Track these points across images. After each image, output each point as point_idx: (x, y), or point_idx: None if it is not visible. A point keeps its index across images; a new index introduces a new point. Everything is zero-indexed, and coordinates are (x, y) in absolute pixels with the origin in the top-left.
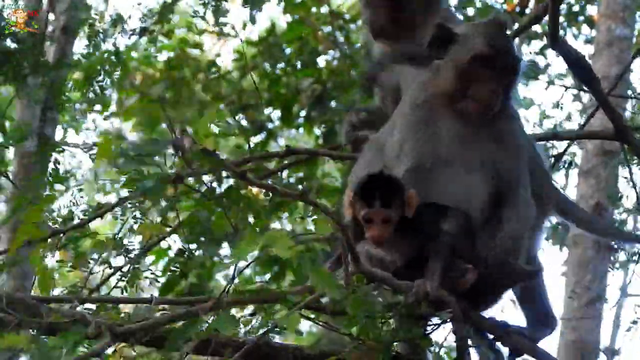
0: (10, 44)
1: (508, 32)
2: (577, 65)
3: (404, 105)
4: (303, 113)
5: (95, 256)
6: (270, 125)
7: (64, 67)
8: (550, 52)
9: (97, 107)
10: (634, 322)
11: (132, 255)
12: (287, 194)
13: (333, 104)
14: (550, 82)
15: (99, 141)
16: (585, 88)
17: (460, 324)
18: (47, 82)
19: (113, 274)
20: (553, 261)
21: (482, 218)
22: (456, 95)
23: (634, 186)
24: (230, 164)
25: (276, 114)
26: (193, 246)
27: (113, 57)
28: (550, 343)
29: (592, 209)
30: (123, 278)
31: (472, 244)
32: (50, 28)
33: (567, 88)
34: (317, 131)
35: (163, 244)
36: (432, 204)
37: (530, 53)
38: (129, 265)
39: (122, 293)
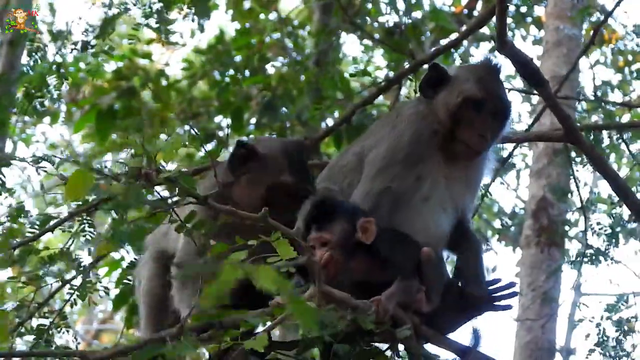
0: None
1: (500, 77)
2: (525, 68)
3: (395, 128)
4: (253, 120)
5: (47, 269)
6: (220, 133)
7: (9, 82)
8: (499, 54)
9: (47, 119)
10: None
11: (82, 268)
12: (248, 217)
13: (283, 110)
14: None
15: (68, 174)
16: (533, 90)
17: (415, 343)
18: None
19: (62, 286)
20: (506, 262)
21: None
22: (446, 136)
23: (577, 186)
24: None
25: (226, 121)
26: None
27: (54, 68)
28: (506, 344)
29: (538, 203)
30: (73, 291)
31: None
32: None
33: (515, 90)
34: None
35: (115, 256)
36: (399, 233)
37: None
38: (79, 277)
39: (72, 307)
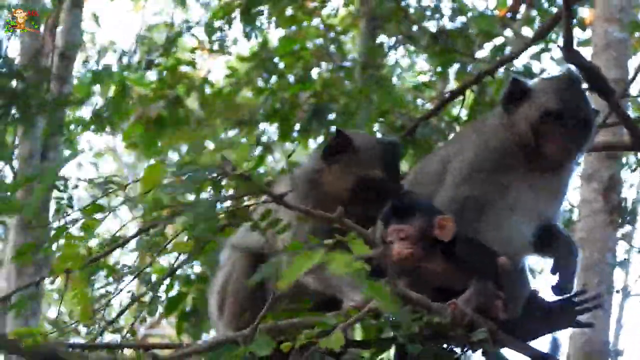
0: (15, 83)
1: (581, 88)
2: (593, 77)
3: (481, 137)
4: (298, 126)
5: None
6: (266, 140)
7: (68, 104)
8: (545, 57)
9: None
10: None
11: (151, 284)
12: (323, 217)
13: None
14: None
15: (140, 177)
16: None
17: (491, 347)
18: (54, 120)
19: (132, 303)
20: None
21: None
22: (530, 149)
23: None
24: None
25: (272, 128)
26: None
27: (109, 77)
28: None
29: (607, 181)
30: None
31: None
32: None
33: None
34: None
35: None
36: (476, 240)
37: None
38: (149, 294)
39: (141, 323)
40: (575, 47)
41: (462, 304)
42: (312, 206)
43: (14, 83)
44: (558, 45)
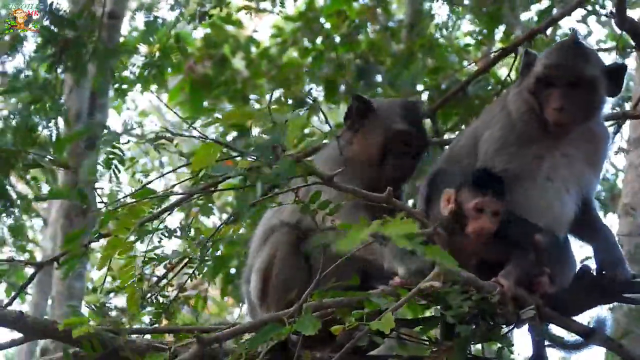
0: (68, 31)
1: (580, 48)
2: None
3: (505, 108)
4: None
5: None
6: (311, 100)
7: (121, 52)
8: (591, 20)
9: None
10: None
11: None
12: (372, 197)
13: (377, 78)
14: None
15: (194, 149)
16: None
17: (538, 323)
18: (105, 69)
19: (183, 260)
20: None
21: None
22: (540, 118)
23: None
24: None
25: (318, 89)
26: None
27: (172, 41)
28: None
29: None
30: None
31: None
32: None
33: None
34: None
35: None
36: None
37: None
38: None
39: (191, 280)
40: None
41: (505, 280)
42: (350, 178)
43: (65, 31)
44: (610, 12)
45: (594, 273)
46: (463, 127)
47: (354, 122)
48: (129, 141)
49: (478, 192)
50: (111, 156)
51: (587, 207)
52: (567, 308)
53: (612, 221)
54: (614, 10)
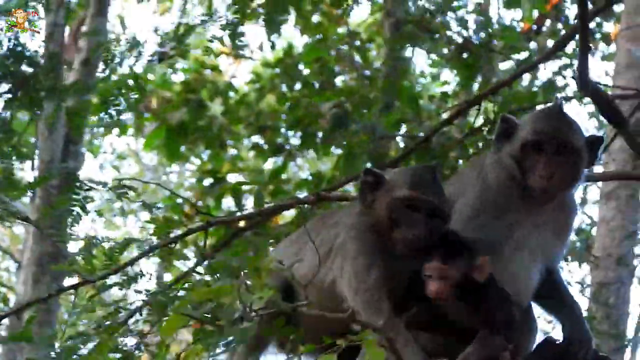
0: (26, 68)
1: (565, 117)
2: (607, 108)
3: (480, 177)
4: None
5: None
6: (288, 147)
7: (81, 91)
8: (568, 72)
9: (115, 130)
10: None
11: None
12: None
13: (353, 126)
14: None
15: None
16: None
17: None
18: (63, 107)
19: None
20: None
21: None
22: (520, 186)
23: None
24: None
25: (295, 135)
26: None
27: (130, 81)
28: None
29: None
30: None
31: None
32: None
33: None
34: (336, 152)
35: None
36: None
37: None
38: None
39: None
40: (590, 75)
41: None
42: (379, 251)
43: (24, 68)
44: (573, 72)
45: (558, 345)
46: None
47: (366, 196)
48: (90, 188)
49: (426, 257)
50: (74, 203)
51: (552, 277)
52: None
53: (585, 271)
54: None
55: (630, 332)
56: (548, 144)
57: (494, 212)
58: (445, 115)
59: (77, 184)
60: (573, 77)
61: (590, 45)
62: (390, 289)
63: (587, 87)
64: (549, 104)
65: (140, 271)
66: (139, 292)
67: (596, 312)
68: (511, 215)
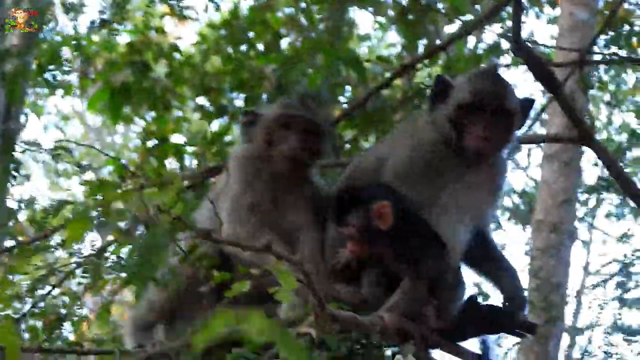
0: None
1: (500, 79)
2: (540, 71)
3: (413, 137)
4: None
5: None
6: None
7: (19, 55)
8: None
9: (60, 91)
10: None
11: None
12: (251, 248)
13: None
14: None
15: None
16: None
17: (422, 352)
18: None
19: (77, 267)
20: (516, 240)
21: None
22: (454, 146)
23: None
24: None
25: (239, 97)
26: None
27: (74, 42)
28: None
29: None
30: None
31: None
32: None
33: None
34: None
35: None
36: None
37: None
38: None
39: (85, 289)
40: (525, 37)
41: (388, 315)
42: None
43: None
44: (507, 36)
45: (491, 306)
46: (363, 142)
47: (246, 133)
48: (24, 150)
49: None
50: (10, 164)
51: (483, 238)
52: (453, 335)
53: (528, 234)
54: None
55: (572, 294)
56: (486, 105)
57: (424, 172)
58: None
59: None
60: (507, 40)
61: (524, 6)
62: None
63: (520, 50)
64: (483, 66)
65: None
66: (73, 254)
67: (530, 282)
68: (441, 175)
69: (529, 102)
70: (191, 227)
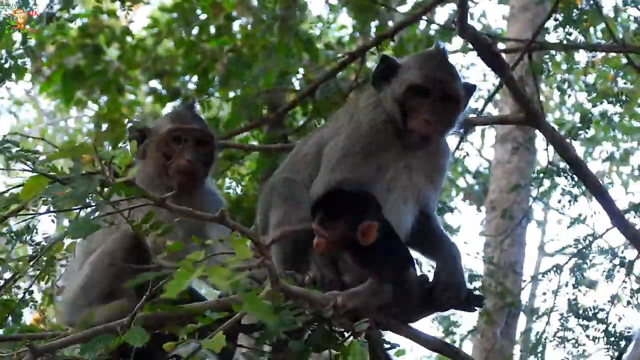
0: None
1: (448, 63)
2: (486, 52)
3: (353, 118)
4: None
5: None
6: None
7: None
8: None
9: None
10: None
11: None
12: (205, 217)
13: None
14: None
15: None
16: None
17: (374, 332)
18: None
19: (36, 258)
20: (471, 221)
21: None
22: (398, 126)
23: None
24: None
25: (192, 80)
26: None
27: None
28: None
29: None
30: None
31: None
32: None
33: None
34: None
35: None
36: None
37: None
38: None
39: (39, 283)
40: (470, 19)
41: (346, 297)
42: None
43: None
44: (452, 20)
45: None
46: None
47: (139, 150)
48: None
49: (313, 215)
50: None
51: (426, 220)
52: (407, 315)
53: (482, 216)
54: (455, 20)
55: (529, 272)
56: (435, 89)
57: (364, 153)
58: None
59: None
60: (453, 22)
61: None
62: None
63: (466, 31)
64: (430, 48)
65: (28, 225)
66: (25, 243)
67: (484, 268)
68: (383, 157)
69: (471, 87)
70: (146, 194)
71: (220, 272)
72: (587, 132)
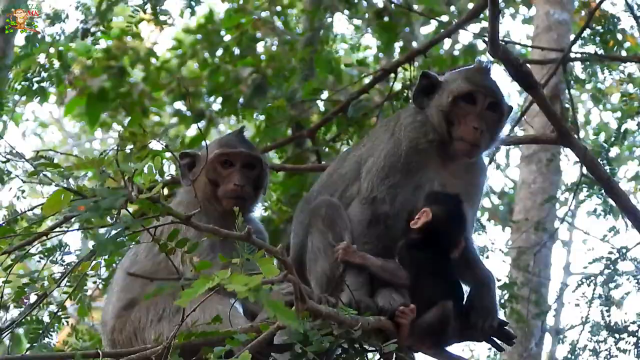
0: None
1: (491, 76)
2: (517, 71)
3: (394, 136)
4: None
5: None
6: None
7: (3, 67)
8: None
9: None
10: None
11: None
12: (231, 236)
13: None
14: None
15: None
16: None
17: (405, 353)
18: None
19: (62, 279)
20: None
21: None
22: (443, 140)
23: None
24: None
25: (216, 101)
26: None
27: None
28: None
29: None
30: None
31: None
32: None
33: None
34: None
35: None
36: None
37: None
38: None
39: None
40: (501, 38)
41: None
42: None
43: None
44: (483, 39)
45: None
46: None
47: (184, 175)
48: (8, 160)
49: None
50: None
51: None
52: (438, 339)
53: (508, 235)
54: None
55: (552, 296)
56: (481, 96)
57: (404, 173)
58: (367, 81)
59: None
60: (484, 41)
61: (500, 8)
62: None
63: (497, 51)
64: (473, 65)
65: (60, 242)
66: (55, 262)
67: (516, 278)
68: (421, 175)
69: (509, 108)
70: (171, 212)
71: (239, 279)
72: (622, 144)
